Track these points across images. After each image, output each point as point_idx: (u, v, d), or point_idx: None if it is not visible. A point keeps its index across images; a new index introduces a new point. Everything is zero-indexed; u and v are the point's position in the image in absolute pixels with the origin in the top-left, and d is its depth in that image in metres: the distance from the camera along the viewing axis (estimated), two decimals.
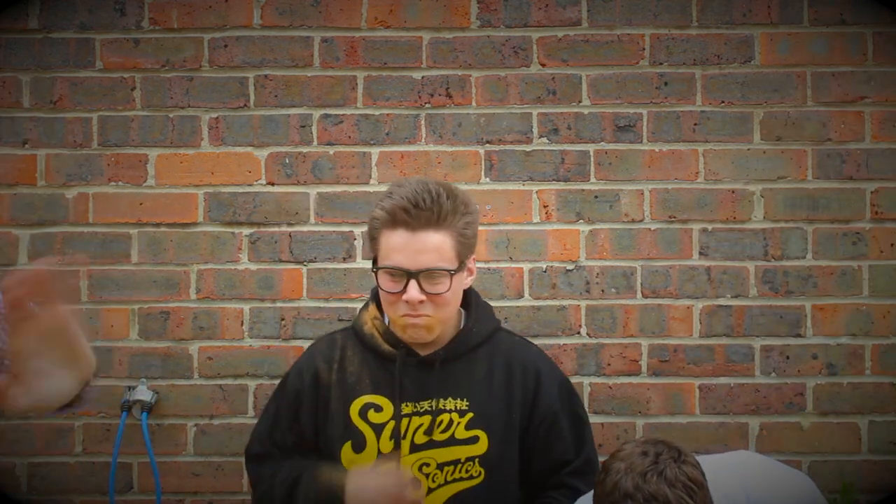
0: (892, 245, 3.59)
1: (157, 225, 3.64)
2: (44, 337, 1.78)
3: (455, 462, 2.45)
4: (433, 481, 2.44)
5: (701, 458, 2.16)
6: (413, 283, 2.38)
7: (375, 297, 2.52)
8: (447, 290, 2.40)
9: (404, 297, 2.39)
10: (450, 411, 2.46)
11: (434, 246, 2.39)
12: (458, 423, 2.46)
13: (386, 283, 2.42)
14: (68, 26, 3.65)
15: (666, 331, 3.59)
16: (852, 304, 3.58)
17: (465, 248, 2.43)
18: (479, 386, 2.49)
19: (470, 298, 2.55)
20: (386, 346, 2.49)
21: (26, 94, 3.64)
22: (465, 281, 2.48)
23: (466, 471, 2.45)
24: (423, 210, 2.38)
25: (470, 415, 2.46)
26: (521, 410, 2.48)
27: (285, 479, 2.51)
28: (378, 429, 2.47)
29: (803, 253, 3.59)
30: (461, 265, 2.43)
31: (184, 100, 3.64)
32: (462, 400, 2.47)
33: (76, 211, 3.63)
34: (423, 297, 2.39)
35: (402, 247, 2.39)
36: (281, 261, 3.63)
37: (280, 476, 2.53)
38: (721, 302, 3.59)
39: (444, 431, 2.45)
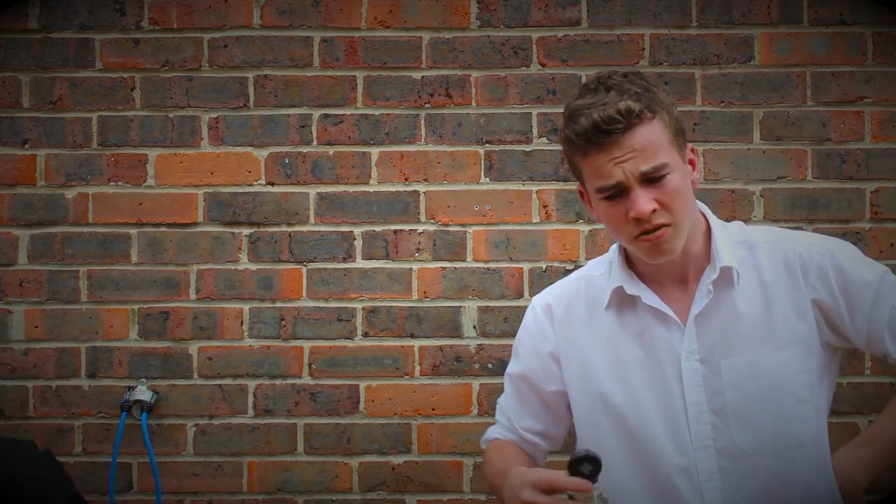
0: (892, 245, 3.59)
1: (157, 225, 3.64)
2: None
3: None
4: None
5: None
6: None
7: None
8: None
9: None
10: None
11: None
12: None
13: None
14: (68, 26, 3.66)
15: None
16: None
17: None
18: None
19: None
20: None
21: (26, 94, 3.65)
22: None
23: None
24: None
25: None
26: None
27: None
28: None
29: None
30: None
31: (183, 100, 3.65)
32: None
33: (76, 211, 3.63)
34: None
35: None
36: (281, 261, 3.64)
37: None
38: None
39: None
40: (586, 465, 1.89)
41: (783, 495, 2.12)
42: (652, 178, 2.05)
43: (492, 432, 2.42)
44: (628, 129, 2.03)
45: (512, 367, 2.38)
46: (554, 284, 2.39)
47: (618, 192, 2.06)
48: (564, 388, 2.29)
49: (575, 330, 2.27)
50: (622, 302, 2.22)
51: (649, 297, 2.18)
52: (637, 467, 2.16)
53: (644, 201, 2.05)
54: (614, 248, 2.29)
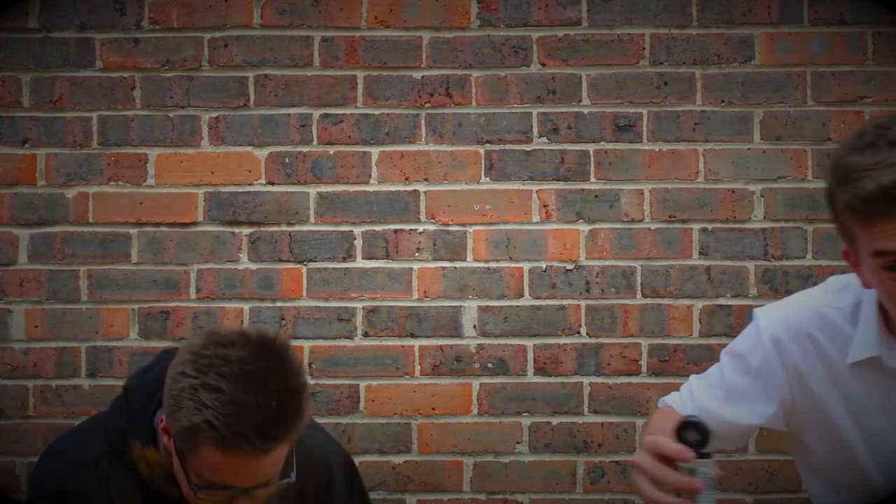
0: None
1: (157, 224, 3.64)
2: None
3: None
4: None
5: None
6: None
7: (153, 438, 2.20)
8: None
9: None
10: None
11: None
12: None
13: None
14: (68, 26, 3.65)
15: (666, 330, 3.59)
16: None
17: None
18: None
19: None
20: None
21: (26, 94, 3.64)
22: None
23: None
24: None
25: None
26: None
27: None
28: None
29: (803, 253, 3.59)
30: None
31: (184, 99, 3.64)
32: None
33: (76, 210, 3.63)
34: None
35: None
36: (281, 260, 3.63)
37: None
38: (721, 302, 3.59)
39: None
40: (692, 434, 1.76)
41: None
42: None
43: (672, 399, 2.20)
44: None
45: (732, 378, 2.11)
46: (782, 305, 2.11)
47: None
48: (770, 424, 2.14)
49: (810, 382, 2.07)
50: (871, 363, 1.99)
51: None
52: None
53: None
54: (871, 292, 1.97)
